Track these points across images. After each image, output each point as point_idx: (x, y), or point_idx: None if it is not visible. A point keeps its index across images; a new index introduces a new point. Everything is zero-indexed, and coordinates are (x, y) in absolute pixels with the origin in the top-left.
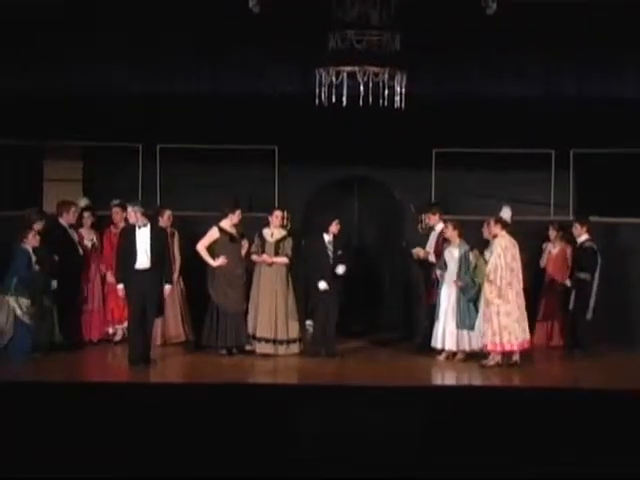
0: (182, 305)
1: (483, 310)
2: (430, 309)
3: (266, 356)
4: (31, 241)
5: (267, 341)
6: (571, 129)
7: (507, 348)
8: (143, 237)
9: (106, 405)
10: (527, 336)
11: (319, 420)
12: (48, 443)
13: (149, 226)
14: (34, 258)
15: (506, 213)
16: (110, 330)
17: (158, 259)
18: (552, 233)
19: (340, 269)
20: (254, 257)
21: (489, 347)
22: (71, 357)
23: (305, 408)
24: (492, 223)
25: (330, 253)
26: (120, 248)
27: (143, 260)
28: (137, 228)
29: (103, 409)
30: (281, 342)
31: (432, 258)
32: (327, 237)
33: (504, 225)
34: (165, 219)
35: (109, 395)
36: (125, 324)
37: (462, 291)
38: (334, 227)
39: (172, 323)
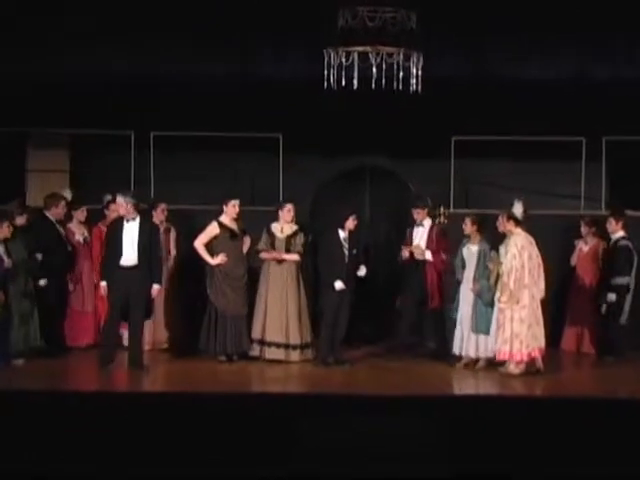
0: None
1: (496, 315)
2: (437, 312)
3: (276, 362)
4: (2, 232)
5: (278, 346)
6: (604, 115)
7: (517, 358)
8: (131, 231)
9: (95, 416)
10: (541, 343)
11: (326, 433)
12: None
13: (138, 220)
14: (4, 253)
15: (517, 208)
16: None
17: (147, 256)
18: (583, 229)
19: (362, 270)
20: (263, 254)
21: (499, 356)
22: (54, 364)
23: (311, 420)
24: (504, 219)
25: (346, 251)
26: (106, 242)
27: (129, 256)
28: (125, 221)
29: (91, 420)
30: (294, 347)
31: (429, 256)
32: (342, 233)
33: (517, 222)
34: (159, 213)
35: (98, 405)
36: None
37: (478, 295)
38: (351, 222)
39: (160, 327)
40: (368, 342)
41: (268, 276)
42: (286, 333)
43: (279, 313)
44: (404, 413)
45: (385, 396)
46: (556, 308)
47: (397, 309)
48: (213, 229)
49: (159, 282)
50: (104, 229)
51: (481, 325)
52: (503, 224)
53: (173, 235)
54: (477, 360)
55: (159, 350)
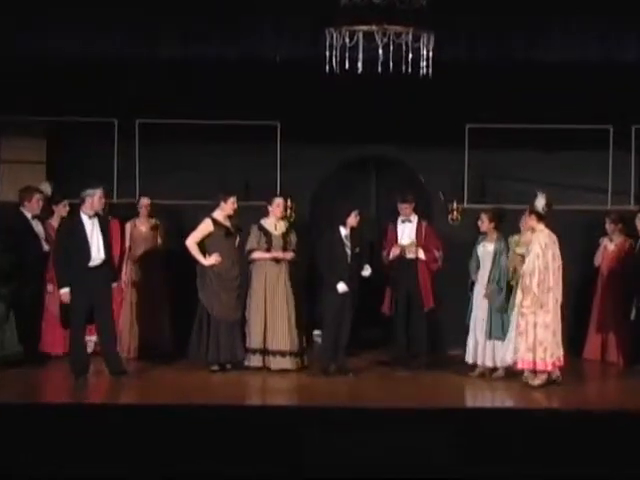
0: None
1: (517, 321)
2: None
3: (274, 372)
4: None
5: (283, 354)
6: (633, 101)
7: (540, 367)
8: (95, 228)
9: (73, 430)
10: (561, 352)
11: (329, 450)
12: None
13: (97, 215)
14: None
15: (540, 202)
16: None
17: (110, 254)
18: (609, 226)
19: (366, 271)
20: (257, 254)
21: (520, 365)
22: (30, 373)
23: (312, 436)
24: (526, 215)
25: (348, 250)
26: (64, 244)
27: (96, 256)
28: (87, 218)
29: (68, 435)
30: (296, 355)
31: (422, 255)
32: (344, 231)
33: (540, 217)
34: (142, 209)
35: (78, 418)
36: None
37: (488, 299)
38: (352, 219)
39: (138, 332)
40: (374, 349)
41: (266, 278)
42: (290, 340)
43: (281, 318)
44: (414, 427)
45: (393, 409)
46: (578, 313)
47: (388, 316)
48: (207, 226)
49: (117, 280)
50: None
51: (496, 330)
52: (525, 220)
53: (161, 232)
54: (493, 369)
55: (138, 358)
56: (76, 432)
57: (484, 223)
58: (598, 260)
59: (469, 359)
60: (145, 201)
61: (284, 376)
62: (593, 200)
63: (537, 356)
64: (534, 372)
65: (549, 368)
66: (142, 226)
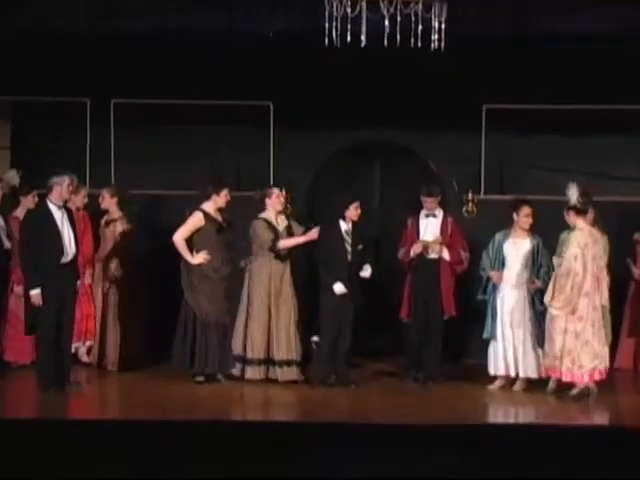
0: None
1: (547, 324)
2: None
3: (271, 383)
4: None
5: (290, 364)
6: None
7: (566, 378)
8: (64, 221)
9: (42, 449)
10: (602, 364)
11: (328, 469)
12: None
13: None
14: None
15: (573, 193)
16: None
17: (78, 248)
18: None
19: (366, 271)
20: (285, 242)
21: (546, 372)
22: None
23: (309, 454)
24: (565, 211)
25: (348, 246)
26: (32, 238)
27: (69, 251)
28: (56, 209)
29: (35, 454)
30: (298, 364)
31: (446, 255)
32: (344, 225)
33: (579, 212)
34: (107, 198)
35: (45, 436)
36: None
37: (534, 294)
38: (352, 212)
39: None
40: (380, 358)
41: (268, 279)
42: (294, 348)
43: (286, 325)
44: (424, 446)
45: (400, 425)
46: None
47: (405, 323)
48: (198, 221)
49: (79, 278)
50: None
51: (526, 337)
52: (566, 217)
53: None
54: (514, 380)
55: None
56: (42, 452)
57: (523, 218)
58: (634, 260)
59: (491, 370)
60: (104, 193)
61: (280, 388)
62: (628, 190)
63: (564, 366)
64: (562, 383)
65: (576, 379)
66: (103, 222)
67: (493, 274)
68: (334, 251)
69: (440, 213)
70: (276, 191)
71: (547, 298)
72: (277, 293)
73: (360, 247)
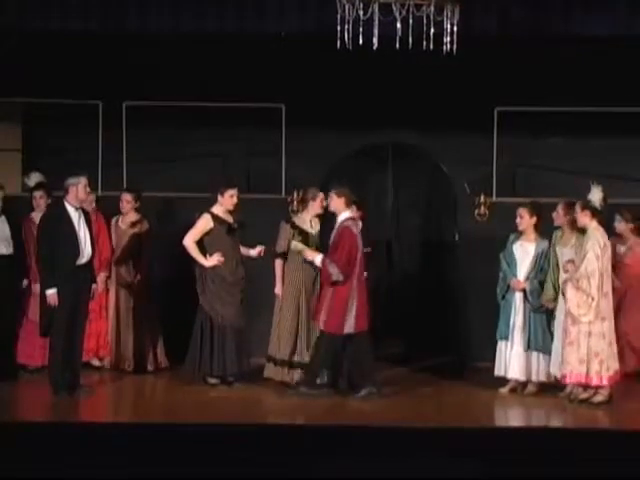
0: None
1: (566, 329)
2: None
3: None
4: None
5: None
6: None
7: (594, 382)
8: (81, 222)
9: (53, 452)
10: (618, 365)
11: (341, 472)
12: None
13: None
14: None
15: (596, 195)
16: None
17: (94, 251)
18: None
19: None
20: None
21: (569, 379)
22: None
23: (326, 457)
24: (579, 210)
25: None
26: (48, 238)
27: (85, 252)
28: (74, 210)
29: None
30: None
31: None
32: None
33: (594, 213)
34: (124, 203)
35: (56, 439)
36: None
37: (528, 296)
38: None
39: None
40: (398, 362)
41: (301, 281)
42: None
43: (314, 329)
44: (436, 450)
45: (411, 428)
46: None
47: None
48: (206, 223)
49: (95, 281)
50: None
51: (536, 340)
52: (578, 216)
53: (145, 229)
54: (525, 384)
55: (127, 373)
56: (54, 455)
57: (524, 219)
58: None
59: (500, 372)
60: (127, 197)
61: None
62: None
63: (592, 369)
64: (584, 387)
65: (605, 383)
66: (123, 224)
67: (514, 282)
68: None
69: (339, 218)
70: (321, 195)
71: (573, 306)
72: (309, 296)
73: (368, 250)
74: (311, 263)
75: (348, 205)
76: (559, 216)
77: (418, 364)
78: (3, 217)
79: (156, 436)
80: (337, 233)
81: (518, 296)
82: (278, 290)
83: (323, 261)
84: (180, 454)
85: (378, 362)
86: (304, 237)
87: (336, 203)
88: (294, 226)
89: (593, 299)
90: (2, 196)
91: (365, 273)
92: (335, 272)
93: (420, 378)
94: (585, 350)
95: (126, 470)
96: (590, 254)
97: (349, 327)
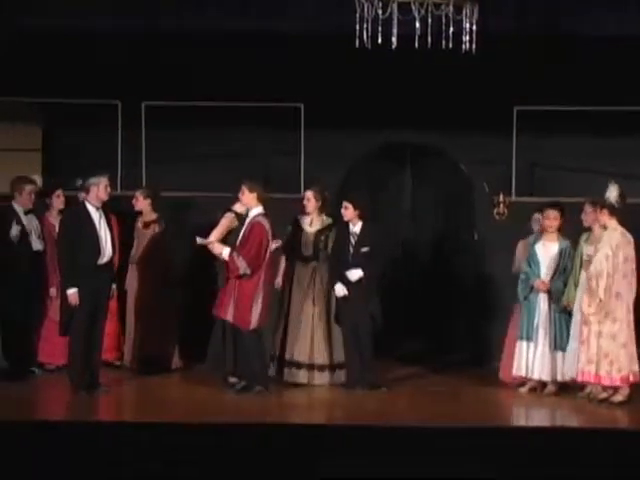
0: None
1: (579, 328)
2: None
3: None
4: None
5: (327, 368)
6: None
7: (605, 382)
8: (102, 221)
9: (73, 450)
10: (636, 367)
11: (356, 472)
12: None
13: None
14: None
15: (612, 194)
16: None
17: (115, 251)
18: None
19: (353, 274)
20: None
21: (580, 377)
22: (22, 387)
23: (336, 458)
24: (598, 209)
25: (351, 248)
26: (70, 237)
27: (106, 252)
28: (94, 209)
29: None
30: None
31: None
32: (353, 226)
33: (612, 212)
34: (140, 200)
35: (76, 437)
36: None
37: (553, 296)
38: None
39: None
40: (416, 361)
41: (302, 280)
42: (330, 351)
43: (325, 329)
44: (452, 449)
45: (428, 428)
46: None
47: None
48: (230, 222)
49: (115, 281)
50: None
51: (561, 340)
52: (595, 215)
53: (159, 229)
54: (545, 384)
55: (142, 373)
56: (73, 454)
57: (550, 220)
58: None
59: (520, 372)
60: (137, 194)
61: (305, 392)
62: None
63: (602, 369)
64: (604, 387)
65: (617, 383)
66: (140, 223)
67: (538, 283)
68: (338, 253)
69: (250, 213)
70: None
71: (584, 305)
72: (318, 294)
73: (366, 249)
74: (304, 261)
75: (260, 200)
76: (588, 216)
77: (436, 363)
78: (32, 214)
79: (176, 435)
80: (248, 228)
81: (542, 297)
82: (278, 282)
83: (230, 255)
84: (199, 453)
85: (397, 361)
86: (298, 234)
87: (247, 198)
88: (293, 223)
89: (600, 299)
90: (36, 191)
91: (362, 272)
92: (243, 266)
93: (437, 377)
94: (595, 350)
95: (146, 469)
96: (600, 254)
97: (254, 322)
